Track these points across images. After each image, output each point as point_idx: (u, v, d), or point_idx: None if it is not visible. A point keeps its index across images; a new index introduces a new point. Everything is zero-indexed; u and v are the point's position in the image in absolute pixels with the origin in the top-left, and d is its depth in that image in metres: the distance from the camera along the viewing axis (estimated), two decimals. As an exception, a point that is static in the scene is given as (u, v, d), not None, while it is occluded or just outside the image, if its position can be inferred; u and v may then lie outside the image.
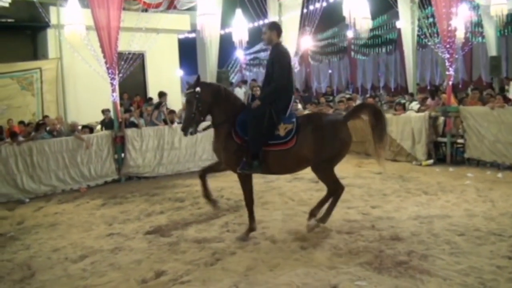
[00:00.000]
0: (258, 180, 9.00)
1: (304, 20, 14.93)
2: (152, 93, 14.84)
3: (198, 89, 5.69)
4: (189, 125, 5.72)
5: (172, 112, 11.56)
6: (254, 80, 20.41)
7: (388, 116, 11.28)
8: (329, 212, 5.83)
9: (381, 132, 5.76)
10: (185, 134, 5.82)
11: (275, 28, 5.98)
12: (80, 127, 10.62)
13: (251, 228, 5.82)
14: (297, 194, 7.87)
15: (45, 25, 14.37)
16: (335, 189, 5.84)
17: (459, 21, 11.29)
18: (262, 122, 5.58)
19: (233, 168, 5.81)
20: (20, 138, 9.23)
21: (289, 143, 5.62)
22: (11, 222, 7.44)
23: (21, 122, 11.25)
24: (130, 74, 11.77)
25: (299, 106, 13.92)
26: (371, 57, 26.01)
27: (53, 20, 13.83)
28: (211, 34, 15.11)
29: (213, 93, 5.80)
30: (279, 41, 5.95)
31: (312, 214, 5.82)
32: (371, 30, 16.22)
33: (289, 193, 7.99)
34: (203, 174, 6.26)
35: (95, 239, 6.18)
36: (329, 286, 4.23)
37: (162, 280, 4.64)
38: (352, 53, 26.07)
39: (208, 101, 5.74)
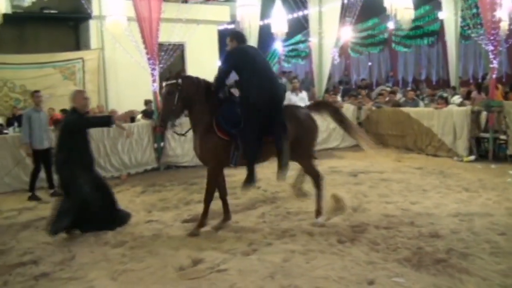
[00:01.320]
0: (296, 172, 9.03)
1: (345, 10, 14.74)
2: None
3: (180, 80, 5.60)
4: (168, 118, 5.60)
5: None
6: (290, 71, 20.36)
7: (430, 110, 11.08)
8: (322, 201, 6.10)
9: (349, 127, 6.28)
10: (165, 128, 5.83)
11: (234, 37, 5.95)
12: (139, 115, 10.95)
13: (202, 223, 5.86)
14: (335, 187, 7.76)
15: (87, 16, 14.69)
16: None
17: (504, 12, 10.91)
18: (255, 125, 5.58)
19: (209, 164, 5.81)
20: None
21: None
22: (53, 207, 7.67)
23: (63, 110, 11.55)
24: (170, 64, 11.90)
25: (339, 98, 13.79)
26: (413, 49, 25.46)
27: (95, 11, 14.12)
28: (250, 25, 15.15)
29: (195, 85, 5.73)
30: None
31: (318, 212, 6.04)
32: (413, 21, 15.86)
33: (327, 186, 7.86)
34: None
35: (134, 225, 6.32)
36: (366, 281, 4.21)
37: (199, 268, 4.71)
38: (393, 45, 25.57)
39: (190, 93, 5.64)
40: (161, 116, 5.74)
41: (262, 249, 5.13)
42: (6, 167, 9.08)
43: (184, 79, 5.73)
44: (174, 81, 5.59)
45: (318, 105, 6.64)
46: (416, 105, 12.17)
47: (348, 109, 12.50)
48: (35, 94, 8.80)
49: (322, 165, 9.70)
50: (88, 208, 5.86)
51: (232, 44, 5.86)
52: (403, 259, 4.67)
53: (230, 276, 4.45)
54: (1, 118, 11.67)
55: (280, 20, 15.44)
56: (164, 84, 5.78)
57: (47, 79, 13.67)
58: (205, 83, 5.84)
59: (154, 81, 10.53)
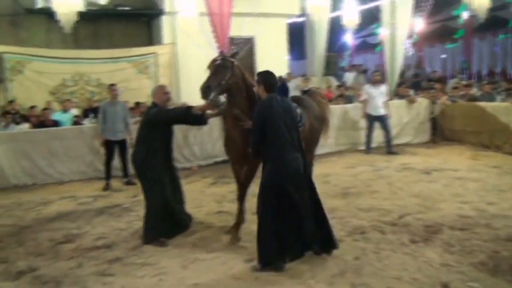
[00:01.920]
0: (366, 168, 8.95)
1: (418, 0, 14.29)
2: (261, 77, 15.06)
3: (235, 62, 5.27)
4: (213, 90, 5.04)
5: None
6: (361, 65, 19.99)
7: (507, 105, 10.53)
8: None
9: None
10: (206, 97, 5.06)
11: (262, 82, 4.90)
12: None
13: (242, 219, 5.73)
14: (408, 185, 7.64)
15: (160, 12, 15.14)
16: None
17: None
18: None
19: (250, 163, 5.45)
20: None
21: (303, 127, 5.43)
22: (126, 195, 8.06)
23: (136, 103, 11.96)
24: (240, 58, 12.03)
25: (411, 92, 13.40)
26: (488, 41, 24.28)
27: (167, 7, 14.50)
28: (320, 17, 15.03)
29: (243, 76, 5.30)
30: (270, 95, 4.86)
31: None
32: (489, 10, 15.11)
33: (398, 183, 7.78)
34: None
35: (205, 215, 6.50)
36: (440, 284, 4.12)
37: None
38: (468, 36, 24.48)
39: (239, 80, 5.19)
40: (206, 83, 5.06)
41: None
42: (82, 156, 9.59)
43: (238, 64, 5.32)
44: (232, 60, 5.26)
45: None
46: (492, 99, 11.61)
47: (422, 103, 12.14)
48: (111, 87, 9.10)
49: (393, 161, 9.60)
50: (171, 213, 5.74)
51: (260, 89, 4.94)
52: (479, 263, 4.52)
53: (298, 271, 4.49)
54: (78, 110, 12.25)
55: (351, 11, 15.17)
56: (219, 57, 5.32)
57: (122, 73, 14.21)
58: (248, 80, 5.36)
59: (224, 74, 10.66)
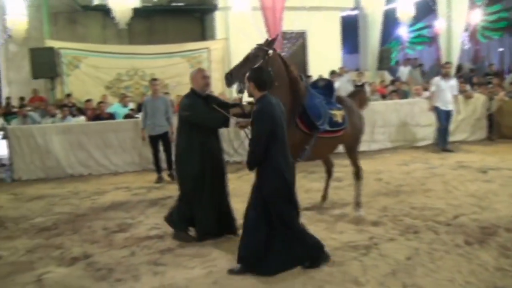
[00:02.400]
0: (420, 166, 8.73)
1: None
2: (313, 72, 14.95)
3: (270, 51, 5.04)
4: (236, 78, 4.86)
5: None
6: (416, 59, 19.46)
7: None
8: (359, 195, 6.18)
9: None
10: (228, 84, 4.97)
11: (253, 81, 4.38)
12: None
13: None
14: (463, 184, 7.39)
15: (213, 7, 15.28)
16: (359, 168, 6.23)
17: None
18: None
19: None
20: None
21: (342, 130, 5.69)
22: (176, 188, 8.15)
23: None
24: (291, 53, 11.98)
25: (468, 87, 12.93)
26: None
27: (220, 2, 14.61)
28: (374, 10, 14.76)
29: (283, 66, 5.14)
30: (263, 94, 4.39)
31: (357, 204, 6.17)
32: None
33: (454, 182, 7.53)
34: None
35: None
36: (495, 290, 3.95)
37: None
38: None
39: (274, 70, 4.83)
40: (230, 71, 4.97)
41: (384, 244, 5.01)
42: (136, 148, 9.82)
43: (275, 52, 5.15)
44: (266, 48, 5.04)
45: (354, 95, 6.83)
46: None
47: (479, 99, 11.70)
48: (151, 82, 9.15)
49: (448, 159, 9.32)
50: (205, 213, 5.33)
51: (254, 91, 4.41)
52: (536, 268, 4.30)
53: (350, 269, 4.42)
54: (133, 104, 12.55)
55: (406, 3, 14.78)
56: (255, 46, 5.16)
57: (175, 68, 14.45)
58: (294, 73, 5.29)
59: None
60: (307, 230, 4.56)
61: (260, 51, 5.02)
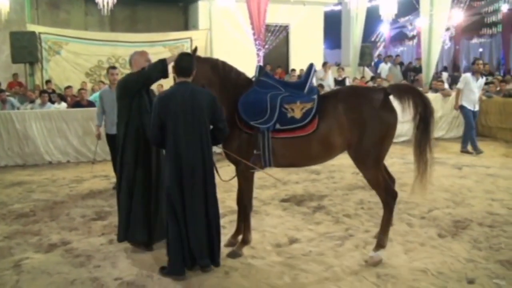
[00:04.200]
0: (397, 161, 8.87)
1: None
2: (295, 65, 15.04)
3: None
4: None
5: None
6: (397, 56, 19.71)
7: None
8: (384, 231, 4.55)
9: (428, 139, 4.49)
10: None
11: (175, 63, 4.34)
12: None
13: (246, 240, 4.79)
14: (438, 180, 7.52)
15: (197, -3, 15.27)
16: (385, 194, 4.55)
17: None
18: None
19: (236, 162, 4.68)
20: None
21: (308, 127, 4.48)
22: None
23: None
24: (274, 46, 12.04)
25: (446, 86, 13.17)
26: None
27: (204, -7, 14.60)
28: (358, 6, 14.87)
29: (210, 69, 4.68)
30: (180, 80, 4.27)
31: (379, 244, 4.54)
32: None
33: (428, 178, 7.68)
34: None
35: (234, 200, 6.53)
36: (466, 280, 4.07)
37: (295, 247, 4.86)
38: (506, 30, 23.80)
39: (202, 79, 4.54)
40: None
41: (359, 235, 5.13)
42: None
43: (198, 62, 4.52)
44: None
45: (400, 90, 4.68)
46: (529, 95, 11.33)
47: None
48: (109, 70, 7.41)
49: (424, 155, 9.46)
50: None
51: (174, 75, 4.38)
52: (506, 261, 4.45)
53: (326, 258, 4.53)
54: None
55: (389, 2, 14.93)
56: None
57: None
58: (227, 67, 4.82)
59: (259, 61, 10.71)
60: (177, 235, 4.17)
61: None
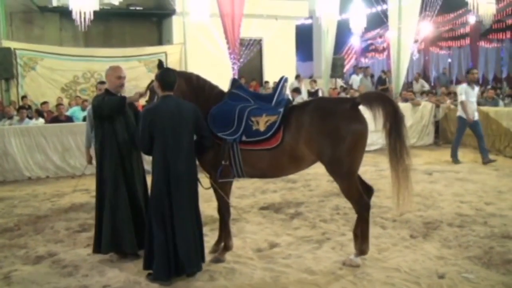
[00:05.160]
0: (369, 168, 9.19)
1: (426, 5, 14.55)
2: (268, 77, 15.38)
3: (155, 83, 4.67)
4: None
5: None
6: (368, 67, 20.23)
7: (510, 110, 10.78)
8: (364, 240, 4.66)
9: (403, 145, 4.46)
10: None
11: (159, 81, 4.50)
12: None
13: (227, 246, 4.96)
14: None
15: (171, 12, 15.48)
16: (359, 206, 4.65)
17: None
18: None
19: (209, 172, 4.88)
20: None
21: (272, 140, 4.58)
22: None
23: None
24: (248, 59, 12.32)
25: (416, 95, 13.67)
26: (494, 45, 24.52)
27: (178, 7, 14.81)
28: (328, 20, 15.31)
29: (184, 83, 4.82)
30: (164, 94, 4.49)
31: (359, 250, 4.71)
32: (495, 15, 15.33)
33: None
34: None
35: (214, 209, 6.69)
36: (436, 275, 4.38)
37: (275, 251, 5.11)
38: (474, 41, 24.70)
39: (177, 92, 4.62)
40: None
41: (336, 238, 5.41)
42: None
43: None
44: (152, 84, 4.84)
45: (369, 98, 4.74)
46: (495, 104, 11.87)
47: (426, 106, 12.40)
48: (98, 86, 7.48)
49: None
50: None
51: (158, 90, 4.55)
52: (474, 257, 4.78)
53: (304, 260, 4.79)
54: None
55: (358, 15, 15.46)
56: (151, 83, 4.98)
57: (133, 72, 14.51)
58: (201, 80, 5.03)
59: (234, 74, 10.96)
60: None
61: (151, 87, 4.88)
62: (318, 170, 6.44)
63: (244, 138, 4.65)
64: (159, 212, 4.33)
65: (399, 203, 4.50)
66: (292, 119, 4.61)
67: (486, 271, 4.44)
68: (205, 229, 5.68)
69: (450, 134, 12.26)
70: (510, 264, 4.57)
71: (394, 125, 4.46)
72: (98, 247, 4.99)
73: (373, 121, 4.58)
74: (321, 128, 4.47)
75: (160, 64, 4.92)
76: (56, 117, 10.65)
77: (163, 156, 4.33)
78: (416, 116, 12.28)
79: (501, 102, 12.16)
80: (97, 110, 4.92)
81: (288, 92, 12.11)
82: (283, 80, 5.01)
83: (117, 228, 4.90)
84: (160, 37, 17.95)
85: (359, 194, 4.58)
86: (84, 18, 11.54)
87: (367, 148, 4.80)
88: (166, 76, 4.49)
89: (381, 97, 4.77)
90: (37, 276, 4.66)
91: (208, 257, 4.85)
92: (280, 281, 4.35)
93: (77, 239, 5.74)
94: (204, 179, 4.85)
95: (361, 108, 4.59)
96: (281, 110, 4.66)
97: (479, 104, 11.93)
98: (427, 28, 17.49)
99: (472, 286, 4.16)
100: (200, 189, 4.64)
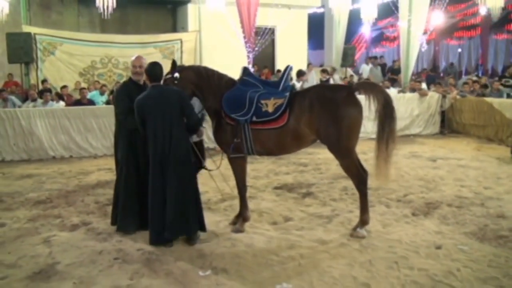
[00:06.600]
0: (371, 155, 9.60)
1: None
2: (280, 65, 15.79)
3: (176, 74, 5.35)
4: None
5: None
6: (382, 56, 20.45)
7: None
8: (364, 211, 5.24)
9: (388, 130, 5.08)
10: None
11: (148, 72, 5.15)
12: None
13: (245, 217, 5.55)
14: (414, 170, 8.36)
15: (186, 0, 15.84)
16: (357, 181, 5.27)
17: None
18: None
19: (225, 150, 5.55)
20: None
21: (279, 120, 5.18)
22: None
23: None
24: (262, 49, 12.68)
25: (423, 85, 14.03)
26: (504, 37, 24.70)
27: (194, -4, 15.21)
28: (340, 9, 15.65)
29: (195, 75, 5.48)
30: (153, 84, 5.10)
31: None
32: (503, 8, 15.58)
33: (406, 168, 8.48)
34: None
35: (233, 187, 7.23)
36: (434, 246, 4.89)
37: (289, 224, 5.67)
38: (484, 32, 24.87)
39: (189, 84, 5.39)
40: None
41: (344, 215, 5.94)
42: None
43: (182, 71, 5.46)
44: (170, 75, 5.41)
45: (364, 86, 5.64)
46: (500, 95, 12.25)
47: (433, 97, 12.78)
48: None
49: (402, 150, 10.28)
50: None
51: (147, 81, 5.28)
52: (470, 232, 5.28)
53: (316, 232, 5.33)
54: (108, 91, 13.05)
55: (369, 5, 15.74)
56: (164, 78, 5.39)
57: (148, 58, 14.49)
58: (209, 71, 5.59)
59: (249, 63, 11.30)
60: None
61: (168, 80, 5.38)
62: (328, 155, 6.93)
63: (254, 118, 5.26)
64: (154, 181, 4.97)
65: (377, 177, 5.23)
66: (297, 102, 5.22)
67: (479, 244, 4.94)
68: (224, 205, 6.33)
69: (455, 124, 12.68)
70: (502, 239, 5.07)
71: (386, 114, 5.09)
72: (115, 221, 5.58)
73: (368, 108, 5.19)
74: (321, 110, 5.09)
75: (173, 63, 5.52)
76: (79, 100, 11.17)
77: (154, 135, 4.97)
78: (423, 106, 12.66)
79: (505, 94, 12.50)
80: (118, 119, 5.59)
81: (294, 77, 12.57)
82: (288, 69, 5.60)
83: (124, 207, 5.43)
84: (175, 24, 18.31)
85: (357, 170, 5.23)
86: (107, 6, 11.97)
87: (369, 136, 5.40)
88: (153, 69, 5.12)
89: (374, 87, 5.48)
90: (75, 241, 5.21)
91: (228, 228, 5.50)
92: (294, 248, 4.87)
93: (108, 211, 6.20)
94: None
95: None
96: (287, 94, 5.28)
97: (484, 95, 12.37)
98: (438, 18, 17.72)
99: (466, 255, 4.65)
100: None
